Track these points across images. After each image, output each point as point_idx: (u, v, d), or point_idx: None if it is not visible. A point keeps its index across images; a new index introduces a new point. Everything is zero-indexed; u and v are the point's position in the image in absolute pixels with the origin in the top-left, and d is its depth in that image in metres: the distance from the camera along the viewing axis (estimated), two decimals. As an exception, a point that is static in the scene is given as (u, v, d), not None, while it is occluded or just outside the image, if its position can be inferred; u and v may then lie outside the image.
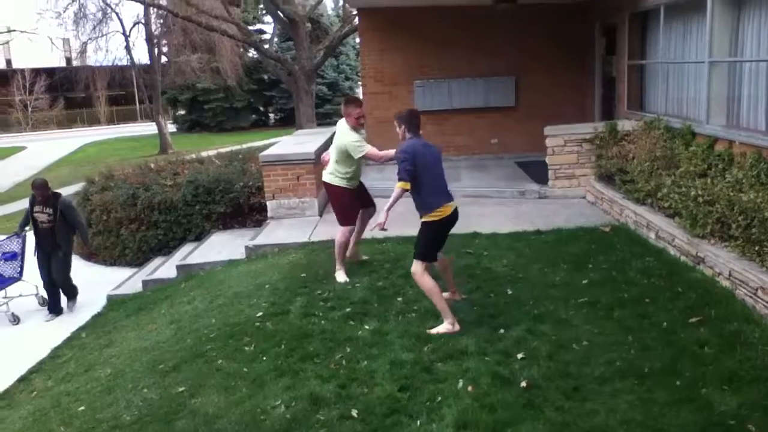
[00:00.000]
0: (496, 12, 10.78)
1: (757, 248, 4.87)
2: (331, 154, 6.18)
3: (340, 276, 6.12)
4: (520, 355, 4.26)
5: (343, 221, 6.21)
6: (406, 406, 3.80)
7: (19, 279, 8.26)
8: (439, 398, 3.85)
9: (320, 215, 8.75)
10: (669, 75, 8.69)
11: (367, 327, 5.00)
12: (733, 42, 7.21)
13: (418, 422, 3.63)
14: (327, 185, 6.27)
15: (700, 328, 4.38)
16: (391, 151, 5.61)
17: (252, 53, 33.97)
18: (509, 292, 5.44)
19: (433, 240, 4.89)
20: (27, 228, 8.31)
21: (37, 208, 8.01)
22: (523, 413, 3.62)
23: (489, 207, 8.66)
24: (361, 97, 11.98)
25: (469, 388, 3.91)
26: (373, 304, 5.44)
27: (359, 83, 14.98)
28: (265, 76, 35.83)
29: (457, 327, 4.73)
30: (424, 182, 4.79)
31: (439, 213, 4.79)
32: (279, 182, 8.71)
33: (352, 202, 6.23)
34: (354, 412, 3.79)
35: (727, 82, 7.31)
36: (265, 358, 4.67)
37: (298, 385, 4.21)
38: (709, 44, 7.33)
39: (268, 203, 8.79)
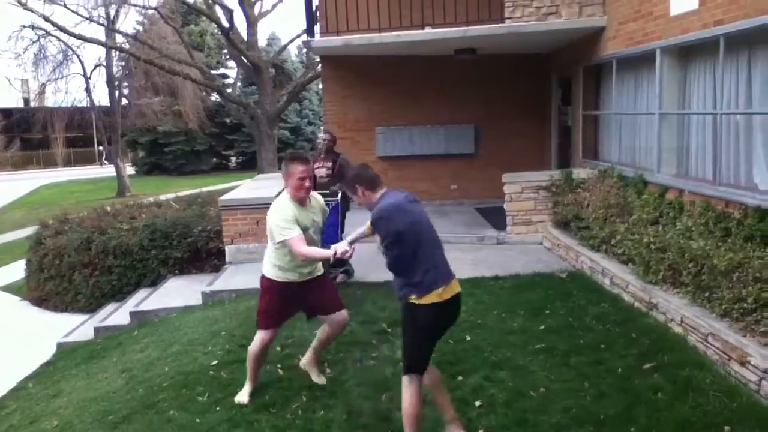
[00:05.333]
0: (456, 62, 11.06)
1: (706, 295, 4.99)
2: None
3: (242, 395, 4.66)
4: (477, 403, 4.24)
5: (260, 321, 4.63)
6: (362, 457, 3.73)
7: None
8: (397, 448, 3.80)
9: (280, 260, 8.67)
10: (622, 125, 8.98)
11: (324, 375, 4.92)
12: (681, 95, 7.52)
13: (375, 474, 3.56)
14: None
15: (654, 375, 4.44)
16: (327, 252, 4.13)
17: (214, 97, 34.04)
18: (468, 338, 5.44)
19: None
20: None
21: (318, 164, 7.55)
22: (481, 463, 3.59)
23: (449, 253, 8.56)
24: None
25: (427, 438, 3.85)
26: (331, 351, 5.37)
27: (322, 128, 15.10)
28: (228, 120, 35.84)
29: None
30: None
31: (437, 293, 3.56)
32: (238, 227, 8.65)
33: (281, 300, 4.55)
34: (310, 465, 3.70)
35: (677, 133, 7.59)
36: (219, 409, 4.55)
37: (253, 437, 4.11)
38: (659, 97, 7.63)
39: (226, 248, 8.71)
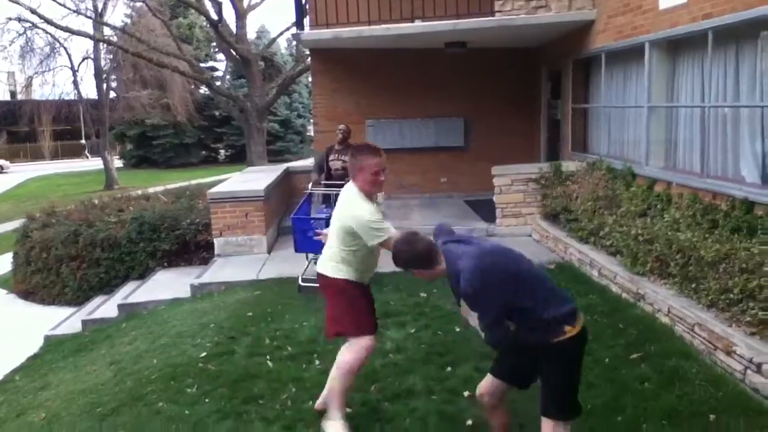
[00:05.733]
0: (446, 55, 11.05)
1: (693, 285, 5.04)
2: (331, 234, 3.94)
3: (336, 428, 3.87)
4: (466, 393, 4.25)
5: (358, 327, 3.86)
6: (352, 448, 3.74)
7: None
8: (386, 438, 3.81)
9: (269, 253, 8.67)
10: (611, 118, 9.01)
11: (314, 366, 4.93)
12: (669, 88, 7.55)
13: (364, 464, 3.57)
14: (323, 278, 3.97)
15: (641, 365, 4.47)
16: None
17: (203, 90, 33.84)
18: (457, 329, 5.45)
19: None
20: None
21: (332, 156, 8.09)
22: (469, 452, 3.60)
23: (438, 245, 8.70)
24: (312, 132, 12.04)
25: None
26: (321, 342, 5.37)
27: (311, 121, 15.07)
28: (217, 113, 35.68)
29: None
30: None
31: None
32: (227, 219, 8.62)
33: (365, 300, 3.96)
34: (299, 455, 3.70)
35: (665, 126, 7.62)
36: (207, 401, 4.54)
37: (241, 428, 4.11)
38: (648, 90, 7.66)
39: (215, 240, 8.68)
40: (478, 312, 2.98)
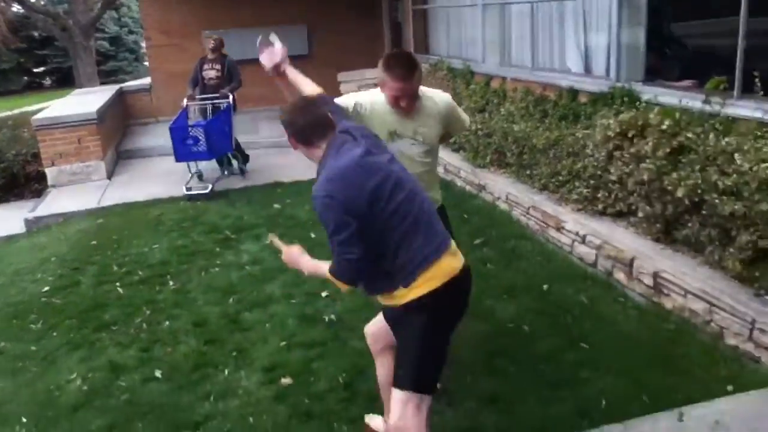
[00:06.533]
0: (282, -41, 10.57)
1: (528, 172, 5.41)
2: None
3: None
4: (324, 294, 4.36)
5: None
6: (212, 359, 3.74)
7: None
8: (247, 345, 3.85)
9: (109, 179, 8.16)
10: (449, 19, 9.16)
11: (168, 288, 4.81)
12: (502, -15, 7.75)
13: (226, 372, 3.59)
14: None
15: (483, 248, 4.80)
16: None
17: (17, 8, 30.10)
18: (312, 236, 5.50)
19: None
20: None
21: (206, 66, 7.74)
22: (330, 347, 3.74)
23: (290, 156, 8.52)
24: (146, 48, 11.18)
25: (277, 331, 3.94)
26: (173, 264, 5.24)
27: (144, 36, 13.97)
28: (36, 33, 32.02)
29: None
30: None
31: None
32: (58, 147, 7.96)
33: None
34: (158, 373, 3.65)
35: (499, 24, 7.86)
36: (55, 334, 4.31)
37: (94, 356, 3.96)
38: (481, -12, 7.82)
39: (47, 171, 8.02)
40: (329, 224, 2.27)
